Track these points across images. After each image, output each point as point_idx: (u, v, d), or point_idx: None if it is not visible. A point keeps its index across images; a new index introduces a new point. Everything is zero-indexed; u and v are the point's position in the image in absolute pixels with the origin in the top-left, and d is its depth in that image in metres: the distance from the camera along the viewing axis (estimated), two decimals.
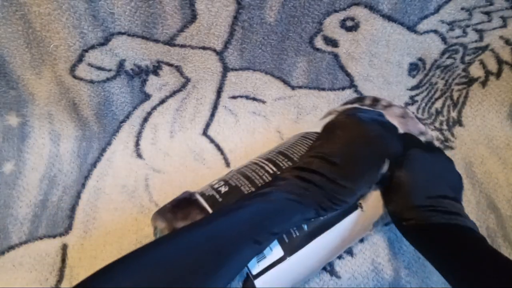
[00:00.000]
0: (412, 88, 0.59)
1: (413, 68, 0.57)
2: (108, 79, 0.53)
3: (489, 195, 0.52)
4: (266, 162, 0.39)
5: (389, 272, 0.45)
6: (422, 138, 0.41)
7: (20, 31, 0.47)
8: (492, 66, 0.57)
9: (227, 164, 0.55)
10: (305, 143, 0.40)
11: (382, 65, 0.56)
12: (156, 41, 0.51)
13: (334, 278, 0.45)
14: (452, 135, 0.59)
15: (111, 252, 0.47)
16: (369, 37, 0.53)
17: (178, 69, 0.55)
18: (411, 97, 0.60)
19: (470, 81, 0.59)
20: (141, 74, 0.55)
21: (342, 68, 0.56)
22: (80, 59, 0.51)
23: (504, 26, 0.53)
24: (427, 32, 0.53)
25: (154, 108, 0.58)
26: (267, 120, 0.59)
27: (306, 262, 0.35)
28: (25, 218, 0.50)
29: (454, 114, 0.60)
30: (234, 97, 0.59)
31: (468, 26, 0.53)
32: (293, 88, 0.59)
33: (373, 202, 0.37)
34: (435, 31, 0.53)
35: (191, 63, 0.55)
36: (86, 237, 0.48)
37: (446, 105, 0.61)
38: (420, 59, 0.56)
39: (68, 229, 0.49)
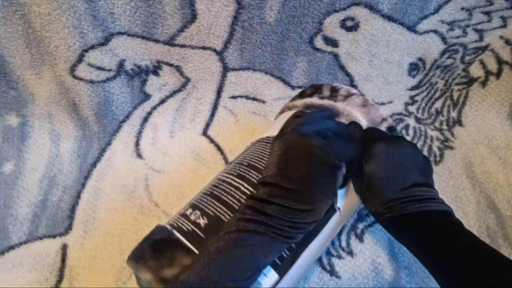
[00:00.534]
0: (412, 88, 0.59)
1: (413, 68, 0.57)
2: (108, 79, 0.53)
3: (489, 195, 0.52)
4: (239, 181, 0.36)
5: (389, 272, 0.45)
6: (385, 124, 0.41)
7: (20, 31, 0.47)
8: (492, 66, 0.57)
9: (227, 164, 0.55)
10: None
11: (382, 65, 0.56)
12: (156, 41, 0.51)
13: (334, 278, 0.45)
14: (452, 135, 0.59)
15: (111, 252, 0.47)
16: (369, 37, 0.53)
17: (178, 69, 0.55)
18: (411, 97, 0.60)
19: (470, 81, 0.59)
20: (141, 74, 0.55)
21: (342, 68, 0.56)
22: (80, 59, 0.51)
23: (504, 26, 0.53)
24: (427, 32, 0.53)
25: (154, 108, 0.58)
26: (267, 120, 0.59)
27: (299, 272, 0.35)
28: (25, 218, 0.50)
29: (454, 114, 0.60)
30: (234, 97, 0.59)
31: (468, 26, 0.53)
32: (293, 88, 0.59)
33: (348, 199, 0.38)
34: (435, 31, 0.53)
35: (191, 63, 0.55)
36: (86, 237, 0.48)
37: (446, 105, 0.61)
38: (420, 59, 0.56)
39: (68, 229, 0.49)
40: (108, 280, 0.45)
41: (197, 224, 0.33)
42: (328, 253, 0.47)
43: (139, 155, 0.56)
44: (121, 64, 0.53)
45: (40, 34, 0.48)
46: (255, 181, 0.35)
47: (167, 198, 0.52)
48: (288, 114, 0.42)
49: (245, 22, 0.51)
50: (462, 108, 0.61)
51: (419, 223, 0.33)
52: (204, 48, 0.53)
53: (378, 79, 0.58)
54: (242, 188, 0.35)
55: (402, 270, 0.46)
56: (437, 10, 0.51)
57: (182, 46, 0.52)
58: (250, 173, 0.36)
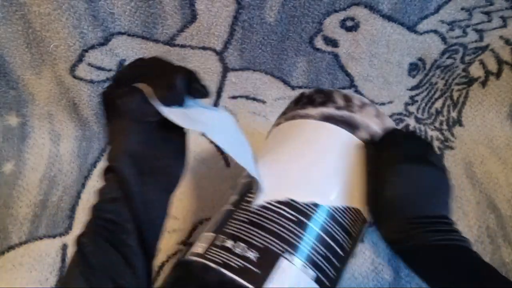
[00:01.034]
0: (412, 88, 0.59)
1: (413, 68, 0.57)
2: (108, 79, 0.53)
3: (489, 195, 0.52)
4: (279, 205, 0.33)
5: (389, 272, 0.45)
6: None
7: (20, 31, 0.47)
8: (492, 66, 0.57)
9: (227, 164, 0.55)
10: None
11: (382, 65, 0.56)
12: (156, 41, 0.51)
13: None
14: (452, 135, 0.59)
15: None
16: (369, 37, 0.53)
17: None
18: (411, 97, 0.60)
19: (470, 81, 0.59)
20: None
21: (342, 68, 0.56)
22: (80, 59, 0.51)
23: (504, 26, 0.53)
24: (427, 32, 0.53)
25: None
26: (267, 120, 0.59)
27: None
28: (25, 218, 0.50)
29: (454, 114, 0.61)
30: (234, 97, 0.59)
31: (468, 26, 0.53)
32: (293, 88, 0.59)
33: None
34: (435, 31, 0.53)
35: (191, 63, 0.55)
36: None
37: (446, 105, 0.61)
38: (420, 59, 0.56)
39: (68, 229, 0.49)
40: None
41: (247, 259, 0.30)
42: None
43: None
44: (121, 64, 0.53)
45: (40, 34, 0.48)
46: (298, 205, 0.33)
47: None
48: (302, 123, 0.39)
49: (245, 22, 0.51)
50: (462, 108, 0.61)
51: (445, 257, 0.29)
52: (204, 48, 0.53)
53: (378, 79, 0.58)
54: (286, 214, 0.32)
55: (402, 270, 0.46)
56: (437, 10, 0.51)
57: (182, 46, 0.52)
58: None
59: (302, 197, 0.33)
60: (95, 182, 0.53)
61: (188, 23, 0.50)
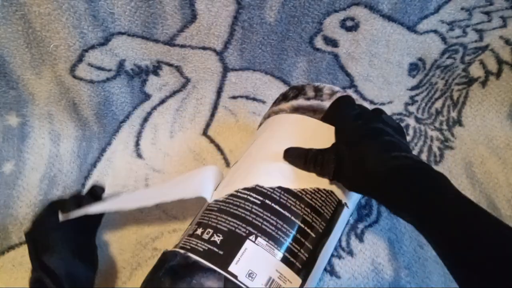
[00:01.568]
0: (412, 88, 0.59)
1: (413, 68, 0.57)
2: (108, 79, 0.53)
3: (489, 195, 0.52)
4: (247, 192, 0.34)
5: (389, 272, 0.45)
6: None
7: (20, 31, 0.47)
8: (492, 66, 0.57)
9: (227, 164, 0.55)
10: None
11: (382, 65, 0.56)
12: (156, 41, 0.51)
13: (334, 278, 0.45)
14: (452, 135, 0.59)
15: (111, 252, 0.47)
16: (369, 37, 0.53)
17: (178, 69, 0.55)
18: (411, 97, 0.60)
19: (470, 81, 0.59)
20: (141, 74, 0.55)
21: (342, 68, 0.56)
22: (80, 59, 0.51)
23: (504, 26, 0.53)
24: (427, 32, 0.53)
25: (154, 108, 0.58)
26: None
27: (318, 272, 0.35)
28: (25, 218, 0.50)
29: (454, 114, 0.60)
30: (234, 97, 0.59)
31: (468, 26, 0.53)
32: None
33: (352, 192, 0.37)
34: (435, 31, 0.53)
35: (191, 63, 0.55)
36: None
37: (446, 105, 0.61)
38: (420, 59, 0.56)
39: None
40: (108, 280, 0.45)
41: (212, 242, 0.31)
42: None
43: (139, 155, 0.56)
44: (121, 64, 0.53)
45: (40, 34, 0.48)
46: (264, 190, 0.34)
47: None
48: (276, 119, 0.41)
49: (245, 22, 0.51)
50: (462, 108, 0.61)
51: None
52: (204, 48, 0.53)
53: (378, 79, 0.58)
54: (251, 199, 0.33)
55: (402, 270, 0.46)
56: (437, 10, 0.51)
57: (182, 46, 0.52)
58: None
59: (267, 182, 0.34)
60: (95, 182, 0.53)
61: (188, 23, 0.50)
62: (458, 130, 0.59)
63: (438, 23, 0.52)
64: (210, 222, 0.33)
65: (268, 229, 0.32)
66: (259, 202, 0.33)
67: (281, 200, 0.33)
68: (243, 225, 0.32)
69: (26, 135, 0.56)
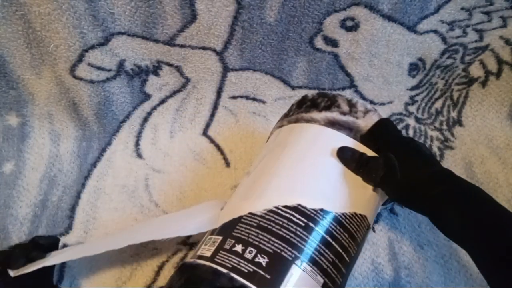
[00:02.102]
0: (412, 88, 0.59)
1: (413, 68, 0.57)
2: (108, 79, 0.53)
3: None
4: (289, 211, 0.32)
5: (389, 272, 0.45)
6: None
7: (20, 31, 0.47)
8: (492, 66, 0.57)
9: (227, 164, 0.55)
10: None
11: (382, 65, 0.56)
12: (156, 41, 0.51)
13: None
14: (452, 135, 0.59)
15: (111, 252, 0.47)
16: (369, 37, 0.53)
17: (178, 69, 0.55)
18: (411, 97, 0.60)
19: (470, 81, 0.59)
20: (141, 74, 0.55)
21: (342, 68, 0.56)
22: (80, 59, 0.51)
23: (504, 26, 0.53)
24: (427, 32, 0.53)
25: (154, 108, 0.58)
26: (267, 120, 0.59)
27: None
28: (25, 218, 0.50)
29: (454, 114, 0.60)
30: (234, 97, 0.59)
31: (468, 26, 0.53)
32: (293, 88, 0.59)
33: (374, 213, 0.38)
34: (435, 31, 0.53)
35: (191, 63, 0.55)
36: (86, 237, 0.48)
37: (446, 105, 0.61)
38: (420, 59, 0.56)
39: (68, 229, 0.49)
40: (108, 280, 0.45)
41: (257, 264, 0.29)
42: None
43: (139, 155, 0.56)
44: (121, 64, 0.53)
45: (40, 34, 0.48)
46: (306, 211, 0.33)
47: (167, 198, 0.52)
48: (311, 129, 0.39)
49: (245, 22, 0.51)
50: (462, 108, 0.61)
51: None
52: (204, 48, 0.53)
53: (378, 79, 0.58)
54: (294, 219, 0.32)
55: (402, 270, 0.46)
56: (437, 10, 0.51)
57: (182, 46, 0.52)
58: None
59: (310, 203, 0.33)
60: (95, 182, 0.53)
61: (188, 23, 0.50)
62: (458, 130, 0.59)
63: (438, 23, 0.52)
64: (251, 240, 0.31)
65: (312, 254, 0.31)
66: (303, 224, 0.32)
67: (323, 223, 0.33)
68: (289, 248, 0.30)
69: (26, 135, 0.56)
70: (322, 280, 0.31)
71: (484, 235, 0.29)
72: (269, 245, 0.30)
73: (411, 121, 0.59)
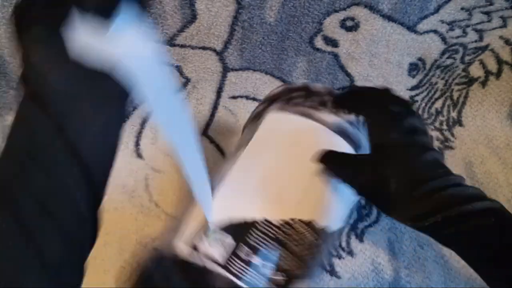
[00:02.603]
0: (412, 88, 0.59)
1: (413, 68, 0.57)
2: None
3: (489, 195, 0.52)
4: (305, 227, 0.31)
5: (389, 272, 0.45)
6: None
7: None
8: (492, 66, 0.57)
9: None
10: None
11: (382, 65, 0.56)
12: (156, 41, 0.51)
13: (334, 278, 0.45)
14: (452, 135, 0.59)
15: (111, 252, 0.47)
16: (369, 37, 0.53)
17: (178, 69, 0.55)
18: (411, 97, 0.60)
19: (470, 81, 0.59)
20: None
21: (342, 68, 0.56)
22: None
23: (504, 26, 0.53)
24: (427, 32, 0.53)
25: None
26: None
27: None
28: None
29: (454, 114, 0.60)
30: (234, 97, 0.59)
31: (468, 26, 0.53)
32: None
33: None
34: (435, 31, 0.53)
35: (191, 63, 0.55)
36: None
37: (446, 105, 0.61)
38: (420, 59, 0.56)
39: None
40: (108, 280, 0.45)
41: (276, 281, 0.28)
42: (328, 253, 0.47)
43: (139, 155, 0.56)
44: None
45: None
46: (316, 227, 0.31)
47: (167, 198, 0.52)
48: (319, 131, 0.35)
49: (245, 22, 0.51)
50: (462, 108, 0.61)
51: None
52: (204, 48, 0.53)
53: (378, 79, 0.58)
54: (308, 235, 0.30)
55: (402, 270, 0.46)
56: (437, 10, 0.51)
57: (182, 46, 0.52)
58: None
59: (321, 221, 0.32)
60: None
61: (188, 23, 0.50)
62: (458, 130, 0.59)
63: (438, 23, 0.52)
64: (269, 254, 0.29)
65: (315, 269, 0.32)
66: (315, 242, 0.31)
67: (328, 240, 0.33)
68: (305, 267, 0.30)
69: None
70: None
71: None
72: (288, 263, 0.29)
73: None
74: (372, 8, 0.50)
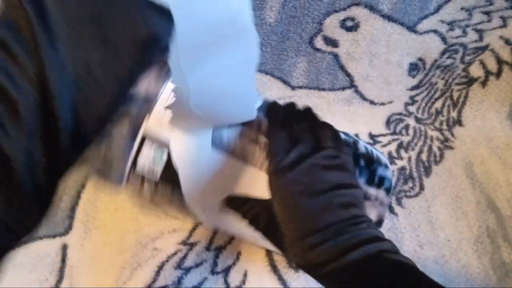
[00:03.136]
0: (412, 88, 0.59)
1: (413, 68, 0.57)
2: None
3: (489, 195, 0.52)
4: None
5: None
6: None
7: None
8: (492, 66, 0.57)
9: None
10: None
11: (382, 65, 0.56)
12: None
13: None
14: (452, 135, 0.59)
15: (111, 252, 0.47)
16: (369, 37, 0.53)
17: None
18: (411, 97, 0.60)
19: (470, 81, 0.59)
20: None
21: (342, 68, 0.56)
22: None
23: (504, 26, 0.53)
24: (427, 32, 0.53)
25: None
26: None
27: None
28: None
29: (454, 114, 0.60)
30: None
31: (468, 26, 0.53)
32: (293, 88, 0.59)
33: None
34: (435, 31, 0.53)
35: None
36: (86, 237, 0.48)
37: (446, 105, 0.61)
38: (420, 59, 0.56)
39: (68, 229, 0.49)
40: (108, 280, 0.45)
41: None
42: None
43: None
44: None
45: None
46: None
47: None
48: None
49: None
50: (462, 108, 0.61)
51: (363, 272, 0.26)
52: None
53: (378, 79, 0.58)
54: None
55: None
56: (437, 10, 0.51)
57: None
58: None
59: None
60: (96, 182, 0.53)
61: None
62: (458, 130, 0.59)
63: (438, 23, 0.52)
64: None
65: None
66: None
67: None
68: None
69: None
70: None
71: None
72: None
73: (411, 121, 0.59)
74: (372, 8, 0.50)
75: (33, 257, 0.47)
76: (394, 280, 0.26)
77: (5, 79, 0.19)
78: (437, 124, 0.60)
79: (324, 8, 0.50)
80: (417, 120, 0.60)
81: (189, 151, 0.30)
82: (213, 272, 0.46)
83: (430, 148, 0.57)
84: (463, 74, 0.59)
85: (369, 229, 0.28)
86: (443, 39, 0.54)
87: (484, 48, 0.56)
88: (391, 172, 0.39)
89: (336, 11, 0.50)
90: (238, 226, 0.33)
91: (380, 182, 0.37)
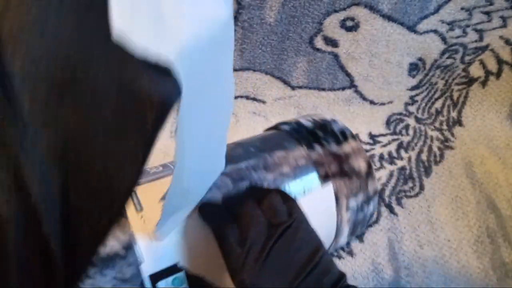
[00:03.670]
0: (412, 88, 0.59)
1: (413, 68, 0.57)
2: None
3: (489, 195, 0.52)
4: None
5: (389, 272, 0.45)
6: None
7: None
8: (492, 66, 0.57)
9: None
10: None
11: (382, 65, 0.56)
12: None
13: None
14: (452, 135, 0.59)
15: None
16: (369, 37, 0.53)
17: None
18: (411, 97, 0.60)
19: (470, 81, 0.59)
20: None
21: (342, 68, 0.56)
22: None
23: (504, 26, 0.53)
24: (427, 32, 0.53)
25: None
26: (267, 120, 0.59)
27: None
28: None
29: (454, 114, 0.60)
30: (234, 97, 0.59)
31: (468, 26, 0.53)
32: (293, 88, 0.59)
33: None
34: (435, 31, 0.53)
35: None
36: None
37: (446, 105, 0.61)
38: (420, 59, 0.56)
39: None
40: None
41: None
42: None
43: None
44: None
45: None
46: None
47: None
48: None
49: (245, 22, 0.51)
50: (462, 108, 0.61)
51: None
52: None
53: (378, 79, 0.58)
54: None
55: (402, 270, 0.46)
56: (437, 10, 0.51)
57: None
58: None
59: None
60: None
61: None
62: (458, 130, 0.59)
63: (438, 23, 0.52)
64: None
65: None
66: None
67: None
68: None
69: None
70: None
71: None
72: None
73: (411, 121, 0.59)
74: (372, 8, 0.50)
75: None
76: None
77: None
78: (437, 124, 0.60)
79: (324, 8, 0.50)
80: (417, 120, 0.60)
81: None
82: None
83: (430, 148, 0.57)
84: (463, 74, 0.59)
85: None
86: (443, 39, 0.54)
87: (484, 48, 0.56)
88: (340, 121, 0.40)
89: (336, 11, 0.50)
90: None
91: (343, 136, 0.38)
